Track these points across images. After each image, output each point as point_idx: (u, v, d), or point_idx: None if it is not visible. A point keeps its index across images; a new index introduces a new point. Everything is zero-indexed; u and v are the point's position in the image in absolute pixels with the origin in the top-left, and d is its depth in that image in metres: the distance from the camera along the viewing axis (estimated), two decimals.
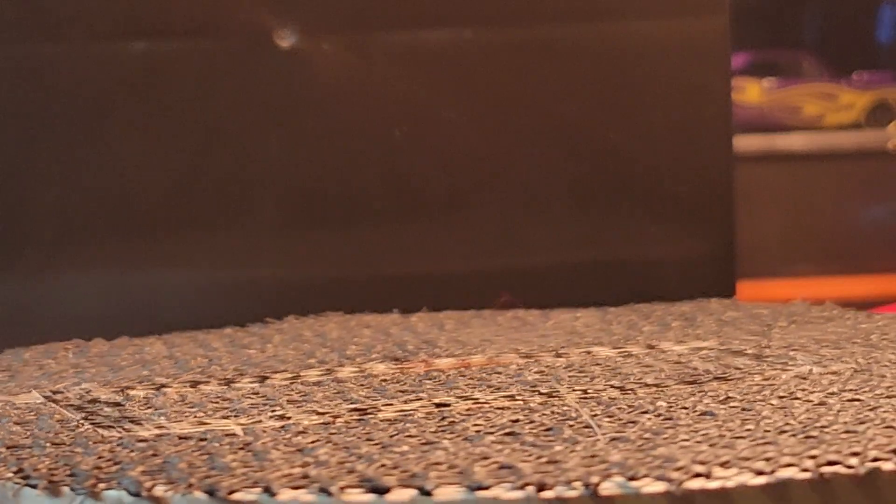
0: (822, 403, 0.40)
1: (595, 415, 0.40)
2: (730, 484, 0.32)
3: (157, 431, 0.42)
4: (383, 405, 0.44)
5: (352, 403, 0.44)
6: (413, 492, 0.32)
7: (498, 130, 0.71)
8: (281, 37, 0.69)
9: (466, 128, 0.71)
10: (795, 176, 1.28)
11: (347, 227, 0.71)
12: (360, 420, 0.42)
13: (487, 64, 0.71)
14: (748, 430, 0.37)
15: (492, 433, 0.39)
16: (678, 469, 0.33)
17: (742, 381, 0.44)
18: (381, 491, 0.33)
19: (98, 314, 0.68)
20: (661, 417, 0.39)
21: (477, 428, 0.39)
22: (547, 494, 0.32)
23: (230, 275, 0.70)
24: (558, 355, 0.51)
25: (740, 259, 0.73)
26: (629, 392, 0.43)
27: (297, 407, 0.44)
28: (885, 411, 0.38)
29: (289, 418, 0.43)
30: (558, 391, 0.44)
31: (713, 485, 0.32)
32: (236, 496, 0.33)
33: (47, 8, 0.68)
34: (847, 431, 0.36)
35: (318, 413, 0.43)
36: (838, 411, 0.39)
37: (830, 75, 1.36)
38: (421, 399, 0.44)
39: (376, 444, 0.38)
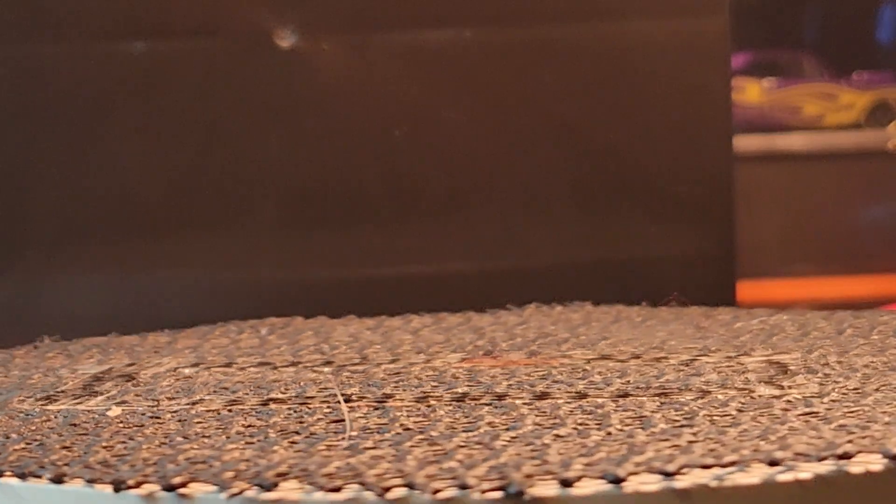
0: (639, 425, 0.39)
1: (426, 421, 0.40)
2: (292, 496, 0.32)
3: (61, 407, 0.44)
4: (305, 397, 0.44)
5: (299, 393, 0.45)
6: (80, 482, 0.35)
7: (498, 130, 0.71)
8: (281, 37, 0.69)
9: (466, 128, 0.71)
10: (795, 176, 1.28)
11: (347, 227, 0.71)
12: (242, 409, 0.43)
13: (487, 64, 0.71)
14: (474, 446, 0.37)
15: (285, 432, 0.39)
16: (231, 477, 0.34)
17: (674, 396, 0.43)
18: (57, 481, 0.35)
19: (98, 314, 0.68)
20: (463, 426, 0.39)
21: (314, 426, 0.40)
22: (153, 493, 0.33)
23: (230, 275, 0.70)
24: (629, 359, 0.50)
25: (740, 259, 0.73)
26: (543, 400, 0.43)
27: (248, 394, 0.45)
28: (670, 435, 0.37)
29: (197, 403, 0.44)
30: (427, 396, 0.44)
31: (267, 496, 0.33)
32: None
33: (47, 8, 0.68)
34: (531, 458, 0.35)
35: (233, 401, 0.44)
36: (633, 433, 0.38)
37: (830, 75, 1.36)
38: (348, 393, 0.45)
39: (183, 435, 0.39)
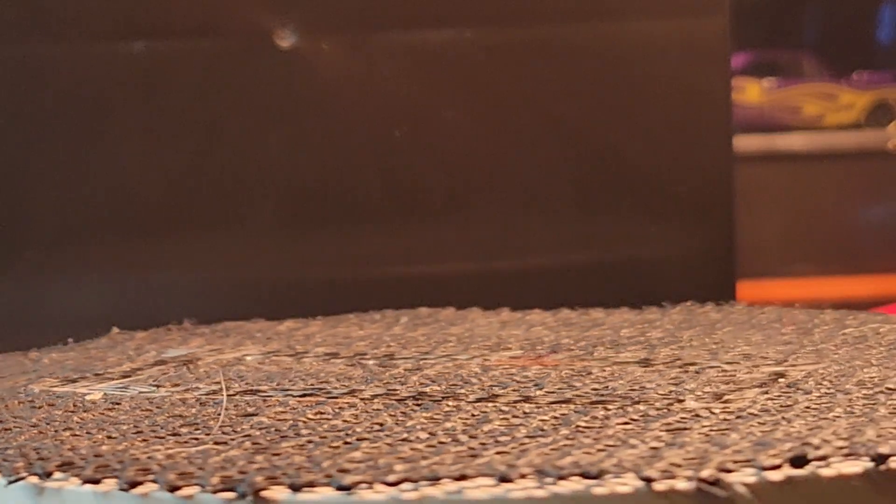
0: (501, 433, 0.38)
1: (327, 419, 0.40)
2: (64, 485, 0.34)
3: (66, 389, 0.46)
4: (282, 390, 0.45)
5: (288, 387, 0.45)
6: None
7: (498, 130, 0.71)
8: (281, 37, 0.69)
9: (466, 128, 0.71)
10: (795, 176, 1.28)
11: (347, 227, 0.71)
12: (205, 400, 0.43)
13: (487, 64, 0.71)
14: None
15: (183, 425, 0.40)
16: (18, 466, 0.35)
17: (602, 405, 0.42)
18: None
19: (98, 314, 0.68)
20: (348, 425, 0.39)
21: (217, 420, 0.40)
22: None
23: (230, 275, 0.70)
24: (659, 364, 0.49)
25: (740, 259, 0.73)
26: (482, 402, 0.42)
27: (234, 382, 0.46)
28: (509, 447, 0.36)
29: (186, 392, 0.44)
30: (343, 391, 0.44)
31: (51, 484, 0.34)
32: None
33: (47, 8, 0.68)
34: (321, 459, 0.35)
35: (214, 392, 0.44)
36: (489, 444, 0.37)
37: (830, 75, 1.36)
38: (319, 388, 0.45)
39: (98, 423, 0.40)
